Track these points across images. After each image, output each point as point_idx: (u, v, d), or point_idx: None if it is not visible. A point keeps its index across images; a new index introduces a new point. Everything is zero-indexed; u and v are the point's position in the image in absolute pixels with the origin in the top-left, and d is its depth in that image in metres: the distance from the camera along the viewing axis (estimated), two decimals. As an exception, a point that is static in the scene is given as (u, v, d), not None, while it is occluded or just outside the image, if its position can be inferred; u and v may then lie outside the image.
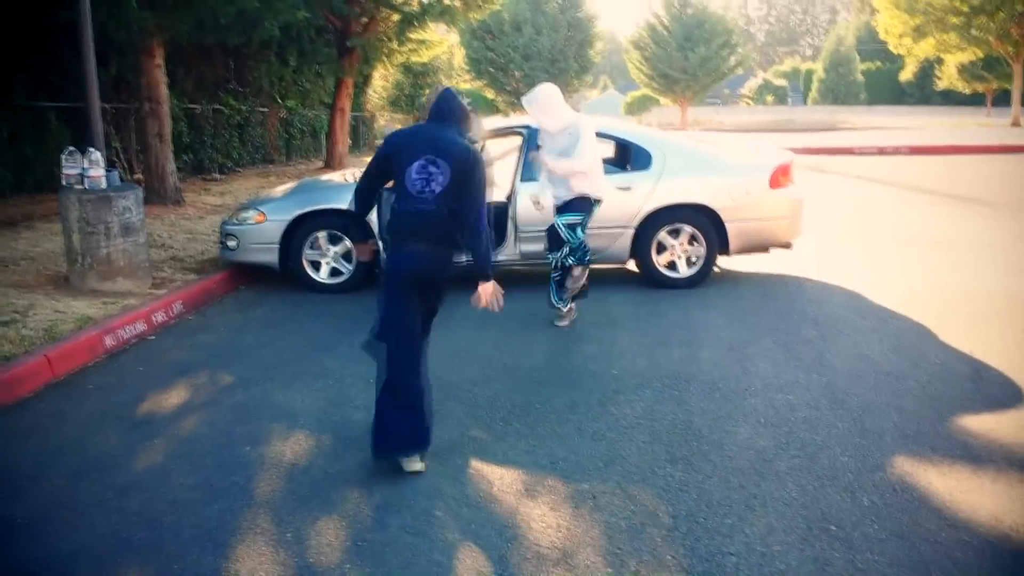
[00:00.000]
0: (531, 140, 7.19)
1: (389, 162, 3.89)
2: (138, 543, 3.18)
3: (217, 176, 16.38)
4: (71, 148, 6.81)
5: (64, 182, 6.73)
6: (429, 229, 3.77)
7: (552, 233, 6.10)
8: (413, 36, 18.31)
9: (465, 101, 4.03)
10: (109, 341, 5.66)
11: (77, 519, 3.37)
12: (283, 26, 13.13)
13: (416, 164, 3.77)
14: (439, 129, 3.88)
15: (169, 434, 4.27)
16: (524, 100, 6.04)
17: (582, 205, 6.01)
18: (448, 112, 3.94)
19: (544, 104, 5.94)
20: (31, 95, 11.90)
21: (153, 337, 6.07)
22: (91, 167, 6.63)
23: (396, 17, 17.72)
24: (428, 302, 4.01)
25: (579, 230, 6.03)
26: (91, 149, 6.74)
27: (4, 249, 8.16)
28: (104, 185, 6.70)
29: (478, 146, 3.94)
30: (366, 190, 4.06)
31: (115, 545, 3.17)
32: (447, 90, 4.05)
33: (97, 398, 4.79)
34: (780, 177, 7.12)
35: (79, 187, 6.66)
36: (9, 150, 11.48)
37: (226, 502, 3.50)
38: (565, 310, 6.19)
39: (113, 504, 3.49)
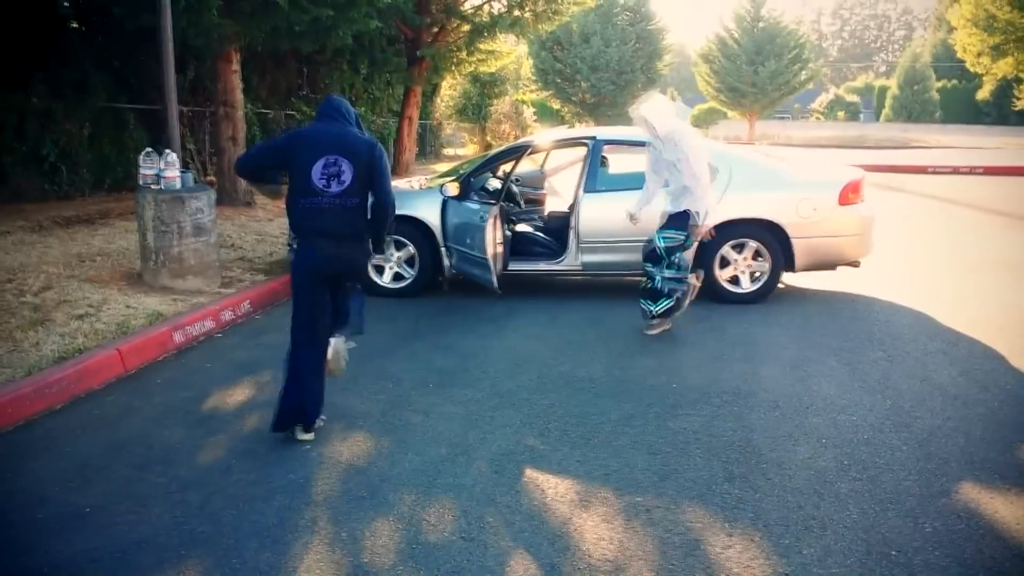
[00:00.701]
0: (596, 151, 7.21)
1: (284, 157, 4.17)
2: (199, 536, 3.26)
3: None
4: (149, 149, 7.03)
5: (141, 182, 6.95)
6: (334, 223, 4.08)
7: (649, 246, 6.09)
8: (482, 47, 18.46)
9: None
10: (178, 337, 5.82)
11: (142, 510, 3.47)
12: (355, 35, 13.36)
13: (320, 162, 4.06)
14: (339, 128, 4.17)
15: (232, 430, 4.37)
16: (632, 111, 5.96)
17: (679, 222, 5.92)
18: (341, 113, 4.22)
19: (655, 112, 5.82)
20: (112, 97, 12.32)
21: (220, 335, 6.22)
22: (167, 168, 6.84)
23: (466, 28, 17.89)
24: (339, 294, 4.35)
25: (678, 252, 6.02)
26: (167, 151, 6.95)
27: (81, 245, 8.45)
28: (179, 186, 6.90)
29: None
30: (255, 167, 4.37)
31: (178, 537, 3.26)
32: (334, 96, 4.38)
33: (164, 393, 4.92)
34: (850, 194, 6.99)
35: (155, 187, 6.87)
36: (89, 150, 11.90)
37: (285, 499, 3.57)
38: (658, 322, 6.15)
39: (177, 497, 3.59)
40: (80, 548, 3.18)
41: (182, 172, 6.99)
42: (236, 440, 4.23)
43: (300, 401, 4.13)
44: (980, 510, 3.46)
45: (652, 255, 6.06)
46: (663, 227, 6.00)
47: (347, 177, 4.07)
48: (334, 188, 4.06)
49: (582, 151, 7.70)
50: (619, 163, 8.61)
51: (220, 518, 3.40)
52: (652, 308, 6.08)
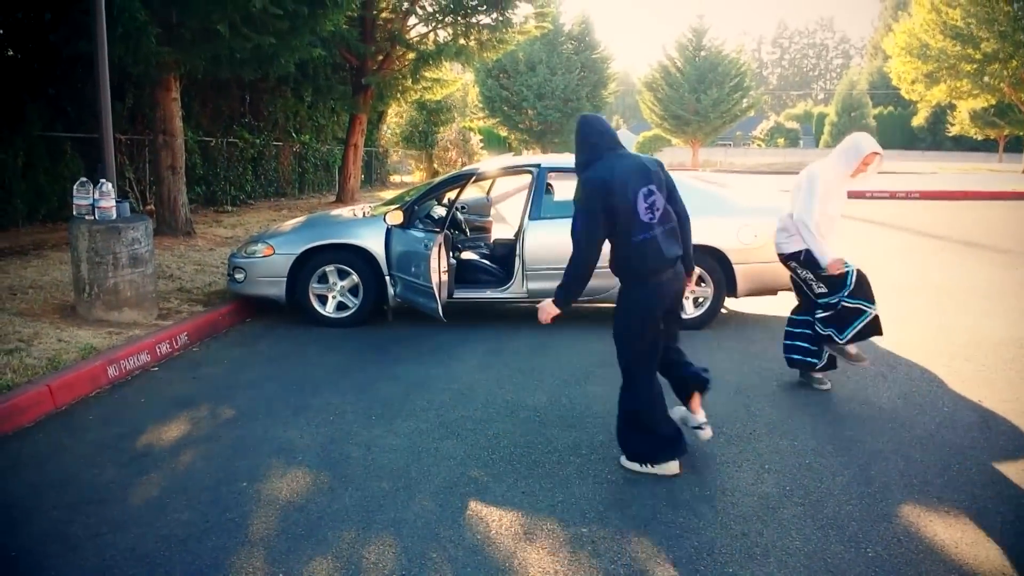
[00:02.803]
0: (540, 179, 7.23)
1: (609, 215, 3.92)
2: (129, 579, 3.14)
3: (229, 208, 16.50)
4: (83, 179, 6.86)
5: (75, 212, 6.77)
6: (669, 252, 3.99)
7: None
8: (428, 75, 18.50)
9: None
10: (112, 372, 5.65)
11: (70, 553, 3.33)
12: (299, 63, 13.28)
13: (641, 193, 3.94)
14: (628, 155, 4.08)
15: (167, 468, 4.23)
16: None
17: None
18: (615, 139, 4.11)
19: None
20: (47, 125, 12.04)
21: (156, 369, 6.06)
22: (102, 198, 6.67)
23: (411, 56, 17.92)
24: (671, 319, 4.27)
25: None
26: (102, 180, 6.79)
27: (13, 277, 8.20)
28: (114, 216, 6.74)
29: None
30: (601, 240, 3.99)
31: (106, 581, 3.13)
32: (592, 118, 4.17)
33: (97, 430, 4.76)
34: (789, 220, 7.09)
35: (89, 217, 6.69)
36: (23, 179, 11.59)
37: (220, 539, 3.45)
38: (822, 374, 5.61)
39: (107, 539, 3.45)
40: (1, 597, 3.04)
41: (118, 202, 6.82)
42: (170, 478, 4.10)
43: (674, 425, 4.18)
44: (920, 533, 3.49)
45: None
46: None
47: (660, 203, 3.99)
48: (657, 218, 3.96)
49: (527, 178, 7.71)
50: (565, 190, 8.62)
51: (152, 560, 3.27)
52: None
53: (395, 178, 32.85)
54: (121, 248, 6.68)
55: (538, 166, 7.31)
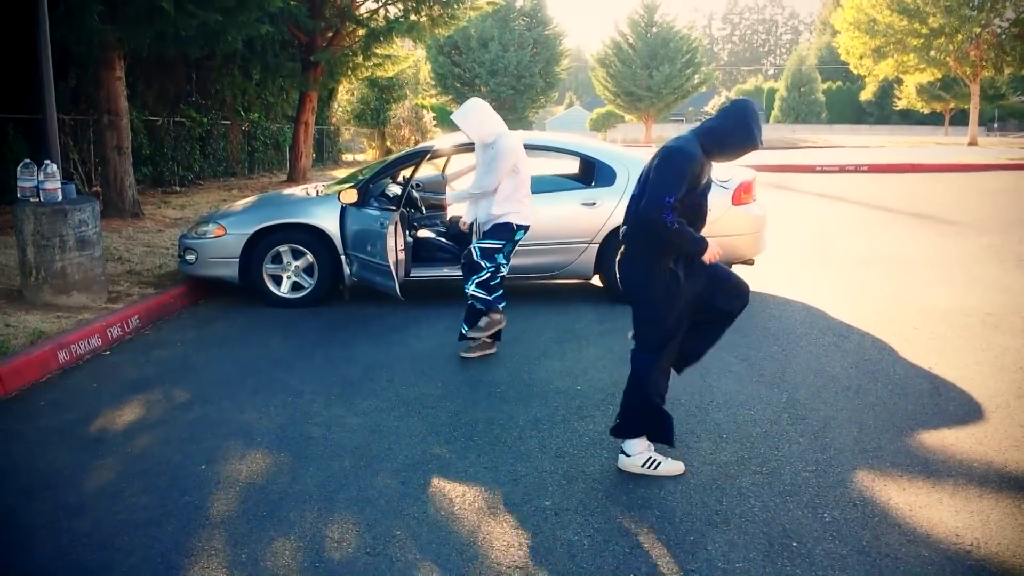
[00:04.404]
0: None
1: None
2: (89, 566, 3.08)
3: (178, 189, 16.19)
4: (27, 161, 6.67)
5: (19, 195, 6.59)
6: None
7: (467, 259, 5.63)
8: (379, 51, 18.27)
9: None
10: (62, 357, 5.53)
11: (26, 540, 3.27)
12: (247, 40, 13.02)
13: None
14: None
15: (122, 453, 4.16)
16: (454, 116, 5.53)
17: (501, 233, 5.47)
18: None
19: (461, 114, 5.39)
20: (-13, 106, 11.68)
21: (108, 353, 5.94)
22: (46, 180, 6.50)
23: (362, 32, 17.68)
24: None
25: (499, 256, 5.49)
26: (47, 161, 6.61)
27: (-45, 262, 7.97)
28: (60, 198, 6.57)
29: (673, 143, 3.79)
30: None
31: (64, 568, 3.07)
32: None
33: (49, 415, 4.66)
34: (742, 194, 7.18)
35: (34, 200, 6.52)
36: (-37, 163, 11.24)
37: (180, 522, 3.41)
38: (476, 345, 5.74)
39: (63, 525, 3.39)
40: (-47, 588, 2.97)
41: (64, 183, 6.65)
42: (126, 463, 4.03)
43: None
44: (875, 498, 3.57)
45: (470, 266, 5.60)
46: (482, 236, 5.57)
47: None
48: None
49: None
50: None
51: (111, 545, 3.22)
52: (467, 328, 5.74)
53: (347, 156, 32.45)
54: (68, 231, 6.52)
55: (494, 142, 7.26)
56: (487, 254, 5.48)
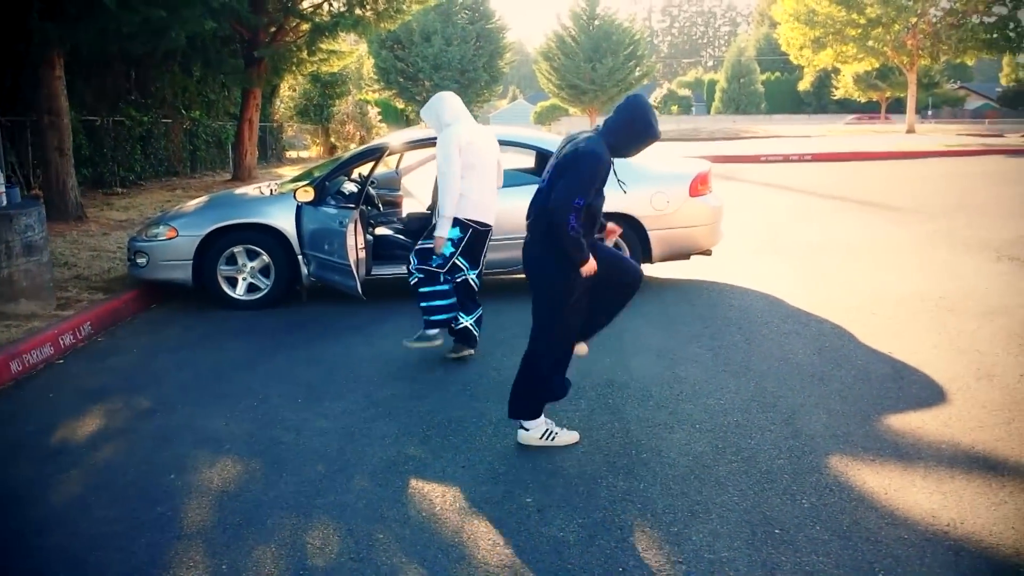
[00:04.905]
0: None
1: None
2: (60, 583, 2.98)
3: (120, 190, 15.79)
4: (-34, 163, 6.43)
5: (-40, 200, 6.35)
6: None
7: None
8: (324, 46, 18.02)
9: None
10: (15, 367, 5.35)
11: (-10, 560, 3.15)
12: (189, 36, 12.72)
13: None
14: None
15: (87, 464, 4.03)
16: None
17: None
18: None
19: (425, 107, 5.42)
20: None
21: (62, 361, 5.76)
22: (-11, 184, 6.27)
23: (306, 27, 17.43)
24: None
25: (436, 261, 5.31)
26: (-12, 164, 6.39)
27: None
28: (4, 202, 6.35)
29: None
30: None
31: (35, 587, 2.96)
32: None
33: (6, 427, 4.51)
34: (699, 185, 7.24)
35: (-24, 205, 6.29)
36: None
37: (153, 535, 3.31)
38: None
39: (32, 542, 3.27)
40: (-81, 613, 2.84)
41: (7, 187, 6.43)
42: (91, 475, 3.91)
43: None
44: (850, 482, 3.63)
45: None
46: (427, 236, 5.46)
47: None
48: None
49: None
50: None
51: (83, 561, 3.12)
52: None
53: (291, 153, 32.04)
54: (14, 236, 6.30)
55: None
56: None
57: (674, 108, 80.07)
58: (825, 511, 3.38)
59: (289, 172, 21.13)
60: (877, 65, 41.69)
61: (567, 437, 4.11)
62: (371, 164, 7.02)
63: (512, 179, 6.84)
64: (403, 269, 7.01)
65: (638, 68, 52.14)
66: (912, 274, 7.79)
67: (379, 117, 33.32)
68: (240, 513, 3.48)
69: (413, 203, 9.55)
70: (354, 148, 8.68)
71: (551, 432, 4.09)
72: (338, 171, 7.22)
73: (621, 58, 50.66)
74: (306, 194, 6.60)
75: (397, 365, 5.46)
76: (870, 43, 36.80)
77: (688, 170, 7.35)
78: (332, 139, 31.85)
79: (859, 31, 36.42)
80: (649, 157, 8.29)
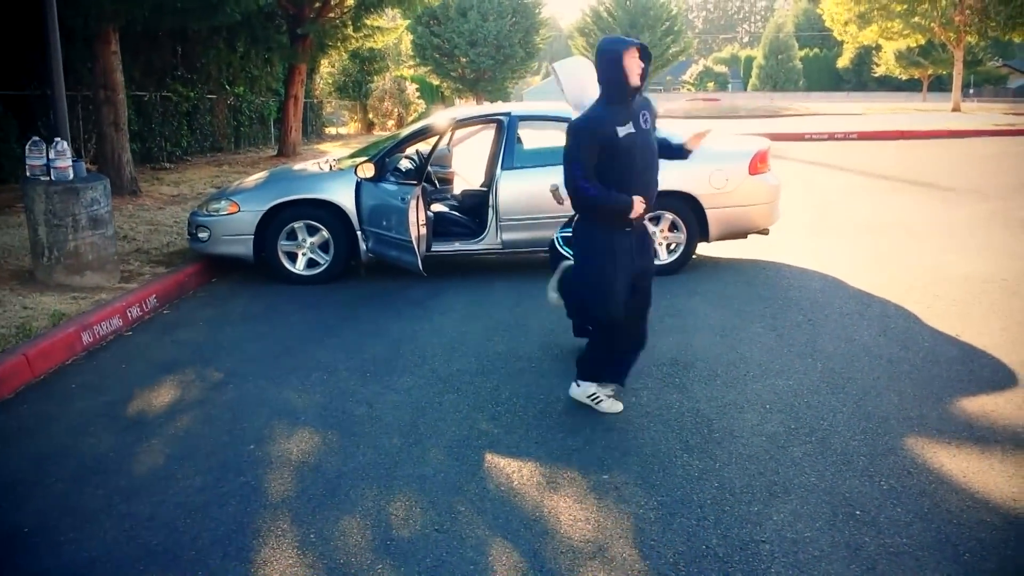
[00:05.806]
0: (511, 128, 7.14)
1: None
2: (156, 549, 3.06)
3: (167, 165, 15.97)
4: (35, 138, 6.54)
5: (28, 173, 6.46)
6: None
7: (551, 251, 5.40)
8: (368, 22, 18.03)
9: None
10: (87, 338, 5.47)
11: (86, 525, 3.23)
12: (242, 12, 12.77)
13: None
14: None
15: (166, 434, 4.12)
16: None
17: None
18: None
19: (565, 71, 4.71)
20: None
21: (130, 333, 5.87)
22: (58, 157, 6.37)
23: (350, 2, 17.43)
24: None
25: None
26: (57, 139, 6.49)
27: (-42, 243, 7.84)
28: (71, 176, 6.46)
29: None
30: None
31: (132, 552, 3.04)
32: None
33: (83, 398, 4.61)
34: (758, 164, 7.17)
35: (45, 178, 6.40)
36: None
37: (240, 504, 3.39)
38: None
39: (122, 509, 3.36)
40: (28, 572, 2.93)
41: (74, 161, 6.53)
42: (171, 445, 3.99)
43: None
44: (928, 465, 3.61)
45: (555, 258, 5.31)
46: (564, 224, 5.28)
47: None
48: None
49: (477, 128, 7.65)
50: (534, 139, 8.50)
51: (175, 528, 3.20)
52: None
53: (330, 130, 32.15)
54: (80, 209, 6.42)
55: (508, 114, 7.21)
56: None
57: (710, 85, 79.20)
58: (904, 493, 3.37)
59: (330, 148, 21.24)
60: (922, 41, 40.87)
61: (611, 405, 4.27)
62: (436, 140, 7.03)
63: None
64: (457, 245, 7.08)
65: (674, 44, 51.56)
66: (972, 255, 7.68)
67: (417, 93, 33.29)
68: (321, 484, 3.55)
69: (461, 180, 9.56)
70: (413, 124, 8.71)
71: (597, 397, 4.28)
72: (399, 147, 7.24)
73: (659, 33, 50.14)
74: (367, 170, 6.64)
75: (459, 341, 5.50)
76: (916, 19, 36.08)
77: (747, 148, 7.28)
78: (370, 115, 31.92)
79: (905, 6, 35.71)
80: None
